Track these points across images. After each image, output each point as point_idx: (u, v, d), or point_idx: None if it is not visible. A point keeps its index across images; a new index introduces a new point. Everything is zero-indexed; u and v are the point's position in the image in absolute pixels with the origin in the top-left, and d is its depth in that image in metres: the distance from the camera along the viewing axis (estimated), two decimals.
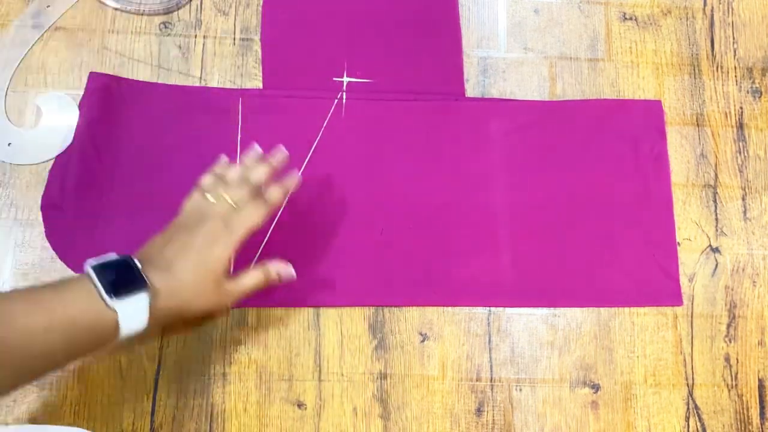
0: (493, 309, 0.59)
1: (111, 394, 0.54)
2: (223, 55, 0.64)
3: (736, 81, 0.67)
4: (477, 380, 0.57)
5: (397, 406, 0.56)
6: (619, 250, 0.61)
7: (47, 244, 0.57)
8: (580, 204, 0.62)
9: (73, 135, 0.59)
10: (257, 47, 0.64)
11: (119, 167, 0.59)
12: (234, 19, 0.65)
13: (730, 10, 0.70)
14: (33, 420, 0.53)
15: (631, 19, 0.68)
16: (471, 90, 0.65)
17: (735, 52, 0.68)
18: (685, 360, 0.59)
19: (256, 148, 0.53)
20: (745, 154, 0.65)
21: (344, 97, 0.63)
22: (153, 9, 0.64)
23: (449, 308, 0.59)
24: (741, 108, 0.66)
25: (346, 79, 0.64)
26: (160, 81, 0.62)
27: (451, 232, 0.60)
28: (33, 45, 0.62)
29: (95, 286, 0.41)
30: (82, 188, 0.58)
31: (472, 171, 0.62)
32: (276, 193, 0.50)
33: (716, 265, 0.62)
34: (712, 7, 0.69)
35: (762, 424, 0.58)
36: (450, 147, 0.63)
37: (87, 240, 0.57)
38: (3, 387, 0.39)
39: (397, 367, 0.57)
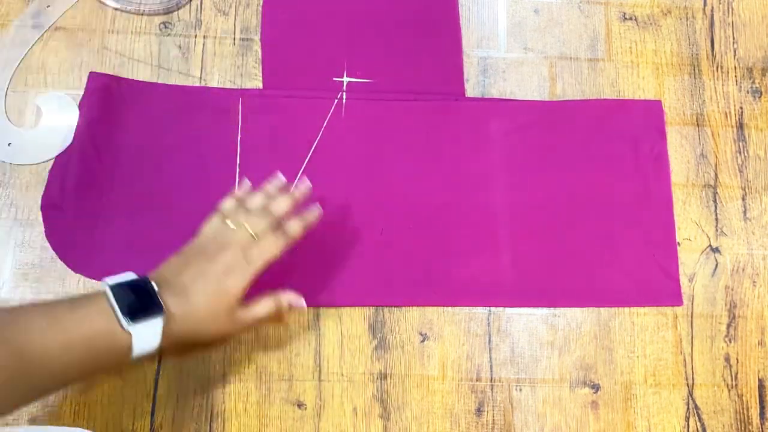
0: (493, 309, 0.59)
1: (111, 394, 0.54)
2: (223, 55, 0.64)
3: (736, 81, 0.67)
4: (477, 380, 0.57)
5: (397, 406, 0.56)
6: (619, 250, 0.61)
7: (47, 244, 0.57)
8: (580, 204, 0.62)
9: (73, 135, 0.59)
10: (257, 47, 0.64)
11: (119, 167, 0.59)
12: (234, 19, 0.65)
13: (730, 10, 0.70)
14: (33, 420, 0.53)
15: (631, 19, 0.68)
16: (471, 90, 0.65)
17: (735, 52, 0.68)
18: (685, 360, 0.59)
19: (280, 177, 0.53)
20: (745, 154, 0.65)
21: (344, 97, 0.63)
22: (153, 9, 0.64)
23: (449, 308, 0.59)
24: (741, 108, 0.66)
25: (346, 79, 0.64)
26: (160, 81, 0.62)
27: (451, 232, 0.60)
28: (33, 45, 0.62)
29: (113, 308, 0.42)
30: (82, 188, 0.58)
31: (472, 171, 0.62)
32: (296, 227, 0.50)
33: (716, 265, 0.62)
34: (712, 7, 0.69)
35: (762, 424, 0.58)
36: (450, 147, 0.63)
37: (87, 240, 0.57)
38: (15, 402, 0.40)
39: (397, 367, 0.57)
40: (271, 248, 0.48)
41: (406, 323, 0.58)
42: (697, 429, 0.57)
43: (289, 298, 0.50)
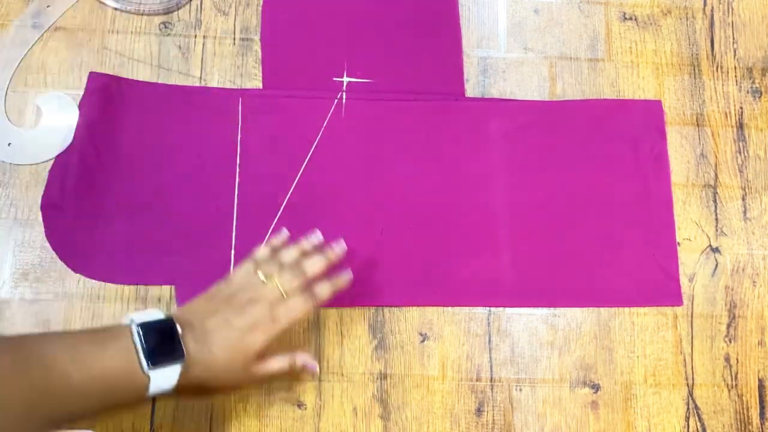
0: (493, 309, 0.59)
1: None
2: (223, 55, 0.64)
3: (736, 81, 0.67)
4: (477, 380, 0.57)
5: (397, 406, 0.56)
6: (619, 250, 0.61)
7: (47, 244, 0.57)
8: (580, 204, 0.62)
9: (73, 135, 0.59)
10: (257, 47, 0.64)
11: (119, 167, 0.59)
12: (234, 19, 0.65)
13: (730, 10, 0.70)
14: None
15: (631, 19, 0.68)
16: (471, 90, 0.65)
17: (735, 52, 0.68)
18: (685, 360, 0.59)
19: (318, 234, 0.53)
20: (745, 154, 0.65)
21: (344, 97, 0.63)
22: (153, 9, 0.64)
23: (449, 308, 0.59)
24: (741, 108, 0.66)
25: (346, 79, 0.64)
26: (160, 81, 0.62)
27: (451, 232, 0.60)
28: (33, 45, 0.62)
29: (136, 349, 0.42)
30: (82, 188, 0.58)
31: (472, 171, 0.62)
32: (325, 291, 0.50)
33: (716, 265, 0.62)
34: (712, 7, 0.69)
35: (762, 424, 0.58)
36: (450, 147, 0.63)
37: (87, 240, 0.57)
38: None
39: (397, 367, 0.57)
40: (298, 309, 0.48)
41: (406, 323, 0.58)
42: (697, 429, 0.57)
43: (305, 358, 0.51)
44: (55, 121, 0.60)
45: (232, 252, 0.58)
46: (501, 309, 0.59)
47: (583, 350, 0.59)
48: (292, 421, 0.55)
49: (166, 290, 0.57)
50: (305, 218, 0.59)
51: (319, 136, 0.62)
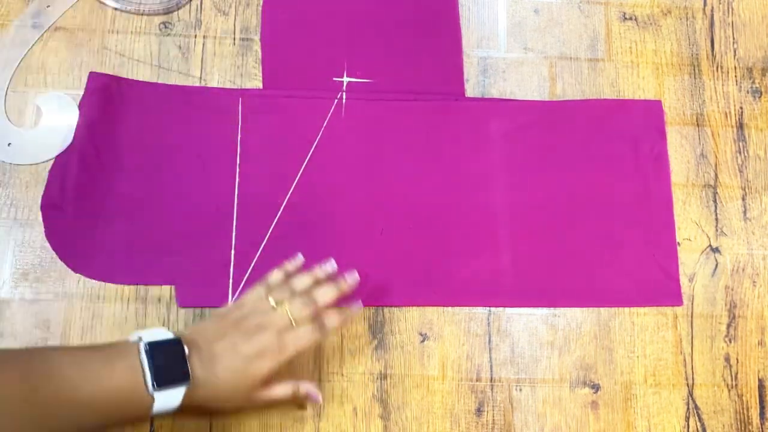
0: (493, 309, 0.59)
1: None
2: (223, 55, 0.64)
3: (736, 81, 0.67)
4: (477, 380, 0.57)
5: (397, 406, 0.56)
6: (619, 250, 0.61)
7: (47, 244, 0.57)
8: (580, 204, 0.62)
9: (73, 135, 0.59)
10: (257, 47, 0.64)
11: (119, 167, 0.59)
12: (234, 19, 0.65)
13: (730, 10, 0.70)
14: None
15: (631, 19, 0.68)
16: (471, 90, 0.65)
17: (735, 52, 0.68)
18: (685, 360, 0.59)
19: (332, 263, 0.53)
20: (745, 154, 0.65)
21: (344, 97, 0.63)
22: (153, 9, 0.64)
23: (449, 308, 0.59)
24: (741, 108, 0.66)
25: (346, 79, 0.64)
26: (160, 81, 0.62)
27: (451, 232, 0.60)
28: (33, 45, 0.62)
29: (143, 370, 0.42)
30: (82, 188, 0.58)
31: (472, 171, 0.62)
32: (335, 321, 0.51)
33: (716, 265, 0.62)
34: (712, 7, 0.69)
35: (762, 424, 0.58)
36: (450, 147, 0.63)
37: (87, 240, 0.57)
38: None
39: (397, 367, 0.57)
40: (306, 338, 0.48)
41: (406, 323, 0.58)
42: (697, 429, 0.57)
43: (308, 387, 0.51)
44: (55, 121, 0.60)
45: (232, 252, 0.58)
46: (501, 309, 0.59)
47: (583, 350, 0.59)
48: (292, 421, 0.55)
49: (166, 290, 0.57)
50: (305, 218, 0.59)
51: (319, 136, 0.62)
